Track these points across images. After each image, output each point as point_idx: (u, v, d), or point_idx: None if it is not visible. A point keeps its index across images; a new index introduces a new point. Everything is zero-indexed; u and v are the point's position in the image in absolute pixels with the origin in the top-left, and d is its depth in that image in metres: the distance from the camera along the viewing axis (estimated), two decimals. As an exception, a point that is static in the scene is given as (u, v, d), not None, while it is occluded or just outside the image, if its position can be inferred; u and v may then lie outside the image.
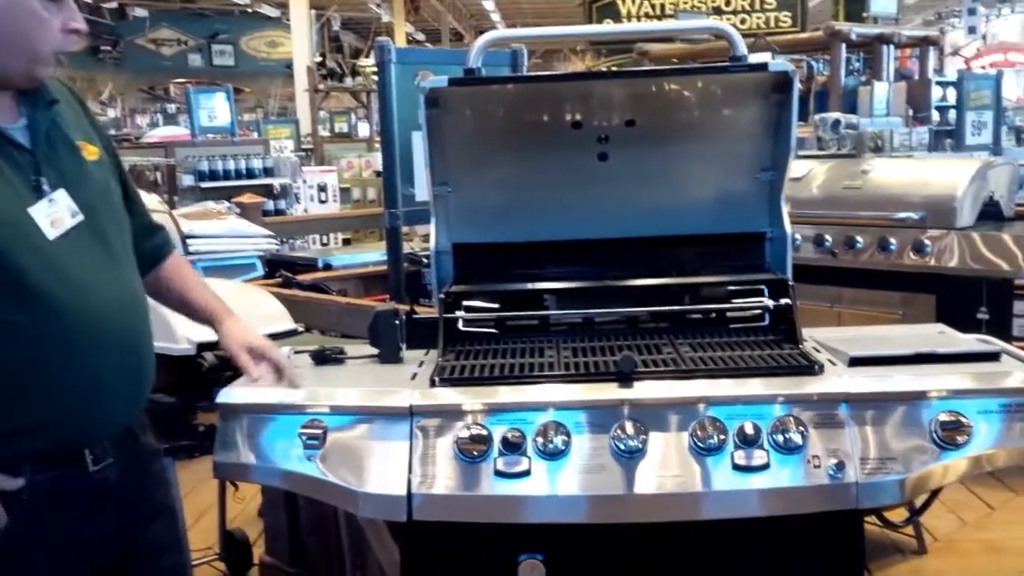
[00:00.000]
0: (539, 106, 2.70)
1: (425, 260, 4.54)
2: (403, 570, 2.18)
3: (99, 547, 1.94)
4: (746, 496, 2.00)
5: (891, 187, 5.10)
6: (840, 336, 2.48)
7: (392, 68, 4.08)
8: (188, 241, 4.91)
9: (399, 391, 2.13)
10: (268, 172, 9.38)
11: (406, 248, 4.84)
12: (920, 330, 2.64)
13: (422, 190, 4.03)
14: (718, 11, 14.33)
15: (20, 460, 1.81)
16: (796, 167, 5.19)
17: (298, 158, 10.72)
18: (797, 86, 2.52)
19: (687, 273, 2.66)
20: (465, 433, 2.03)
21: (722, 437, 2.00)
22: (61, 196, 1.85)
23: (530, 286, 2.64)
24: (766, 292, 2.52)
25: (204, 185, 8.92)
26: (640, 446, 2.00)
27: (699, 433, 2.01)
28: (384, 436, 2.07)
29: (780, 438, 2.00)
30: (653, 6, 14.62)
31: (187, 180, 8.99)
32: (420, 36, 26.49)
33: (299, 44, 17.64)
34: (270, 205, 8.83)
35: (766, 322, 2.53)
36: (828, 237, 5.18)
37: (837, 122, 6.08)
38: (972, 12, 17.36)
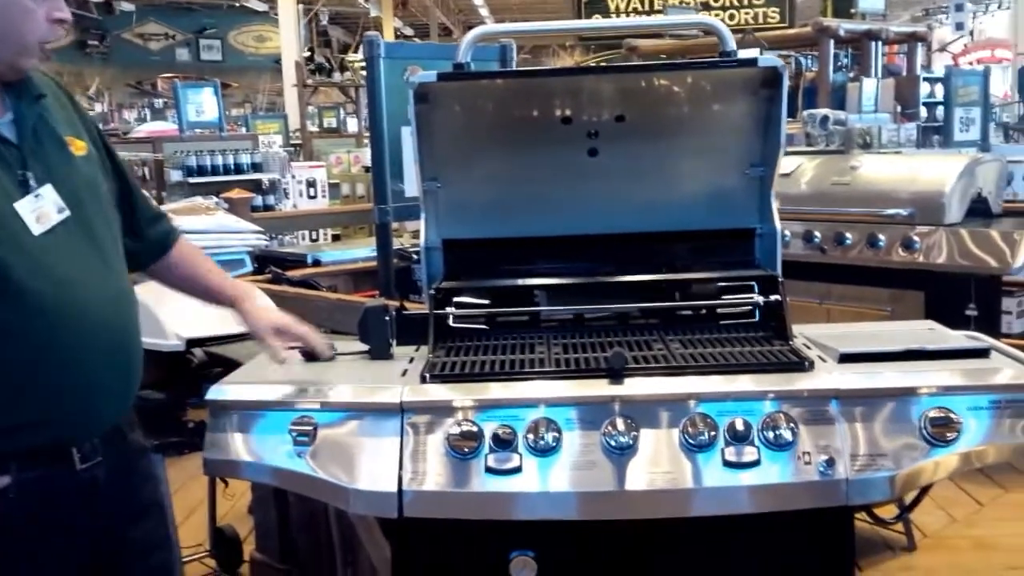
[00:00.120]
0: (529, 101, 2.69)
1: (415, 256, 4.53)
2: (394, 567, 2.17)
3: (87, 545, 1.93)
4: (736, 492, 2.01)
5: (880, 183, 5.11)
6: (830, 332, 2.48)
7: (381, 63, 4.07)
8: (176, 237, 4.88)
9: (389, 387, 2.12)
10: (256, 167, 9.36)
11: (396, 244, 4.83)
12: (910, 326, 2.64)
13: (411, 186, 4.03)
14: (706, 6, 14.34)
15: (5, 458, 1.80)
16: (785, 163, 5.19)
17: (287, 153, 10.68)
18: (786, 81, 2.51)
19: (677, 269, 2.66)
20: (456, 430, 2.02)
21: (713, 433, 2.00)
22: (48, 191, 1.84)
23: (520, 282, 2.63)
24: (756, 288, 2.52)
25: (192, 180, 8.89)
26: (631, 442, 2.00)
27: (690, 429, 2.01)
28: (374, 432, 2.07)
29: (770, 434, 2.00)
30: (642, 1, 14.63)
31: (175, 175, 8.97)
32: (408, 31, 26.45)
33: (287, 39, 17.59)
34: (259, 201, 8.80)
35: (756, 318, 2.53)
36: (817, 233, 5.19)
37: (825, 118, 6.09)
38: (959, 8, 17.38)
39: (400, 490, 2.00)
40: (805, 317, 3.90)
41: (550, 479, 2.00)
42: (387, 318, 2.41)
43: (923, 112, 9.55)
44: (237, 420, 2.18)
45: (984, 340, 2.36)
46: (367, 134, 6.73)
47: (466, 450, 2.01)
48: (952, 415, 2.03)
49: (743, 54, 2.61)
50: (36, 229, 1.81)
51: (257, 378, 2.35)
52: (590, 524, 2.07)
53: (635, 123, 2.68)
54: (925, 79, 9.89)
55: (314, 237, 9.27)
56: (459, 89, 2.62)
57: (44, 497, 1.84)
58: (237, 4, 23.54)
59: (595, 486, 1.99)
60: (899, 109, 9.31)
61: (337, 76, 15.89)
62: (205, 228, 5.09)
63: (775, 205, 2.65)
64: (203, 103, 10.05)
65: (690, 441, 2.00)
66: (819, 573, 2.15)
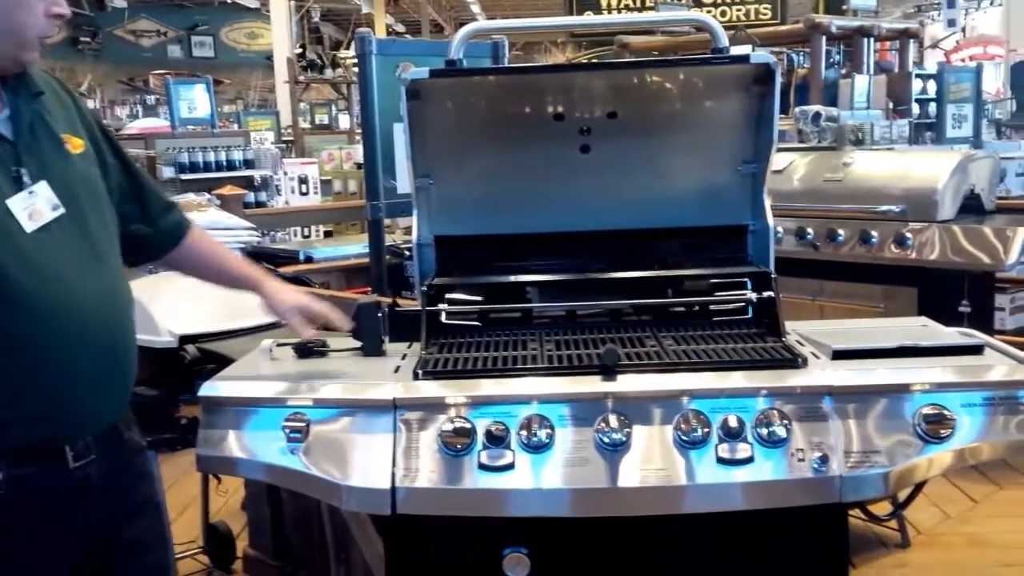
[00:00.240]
0: (521, 98, 2.69)
1: (407, 252, 4.53)
2: (387, 564, 2.17)
3: (80, 543, 1.92)
4: (730, 489, 2.01)
5: (872, 180, 5.11)
6: (823, 329, 2.48)
7: (373, 60, 4.07)
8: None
9: (382, 384, 2.12)
10: (249, 164, 9.33)
11: (388, 240, 4.83)
12: (903, 323, 2.64)
13: (404, 182, 4.02)
14: (698, 3, 14.34)
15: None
16: (778, 160, 5.18)
17: (279, 150, 10.65)
18: (779, 78, 2.51)
19: (670, 266, 2.66)
20: (448, 426, 2.02)
21: (706, 430, 2.00)
22: (42, 188, 1.83)
23: (513, 279, 2.63)
24: (749, 285, 2.52)
25: (184, 177, 8.86)
26: (624, 439, 2.00)
27: (683, 426, 2.01)
28: (367, 429, 2.06)
29: (764, 431, 2.00)
30: (634, -2, 14.62)
31: (167, 172, 8.93)
32: (400, 28, 26.41)
33: (279, 35, 17.54)
34: (251, 197, 8.77)
35: (749, 315, 2.53)
36: (810, 230, 5.19)
37: (818, 115, 6.08)
38: (951, 5, 17.39)
39: (393, 487, 1.99)
40: (798, 314, 3.89)
41: (543, 476, 2.00)
42: (380, 315, 2.41)
43: (915, 109, 9.56)
44: (230, 417, 2.18)
45: (978, 337, 2.36)
46: (359, 131, 6.72)
47: (459, 447, 2.01)
48: (946, 412, 2.03)
49: (735, 51, 2.61)
50: (28, 226, 1.79)
51: (250, 374, 2.35)
52: (583, 521, 2.07)
53: (627, 120, 2.68)
54: (917, 76, 9.90)
55: (306, 234, 9.25)
56: (451, 86, 2.62)
57: (36, 495, 1.83)
58: (229, 1, 23.46)
59: (588, 483, 1.99)
60: (891, 106, 9.31)
61: (329, 73, 15.82)
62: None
63: (768, 202, 2.65)
64: (195, 100, 10.02)
65: (683, 438, 2.00)
66: (813, 570, 2.15)
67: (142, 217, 2.18)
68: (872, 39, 10.16)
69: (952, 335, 2.42)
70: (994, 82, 16.63)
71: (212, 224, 5.16)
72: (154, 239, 2.22)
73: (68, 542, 1.89)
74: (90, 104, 19.59)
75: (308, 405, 2.11)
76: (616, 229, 2.73)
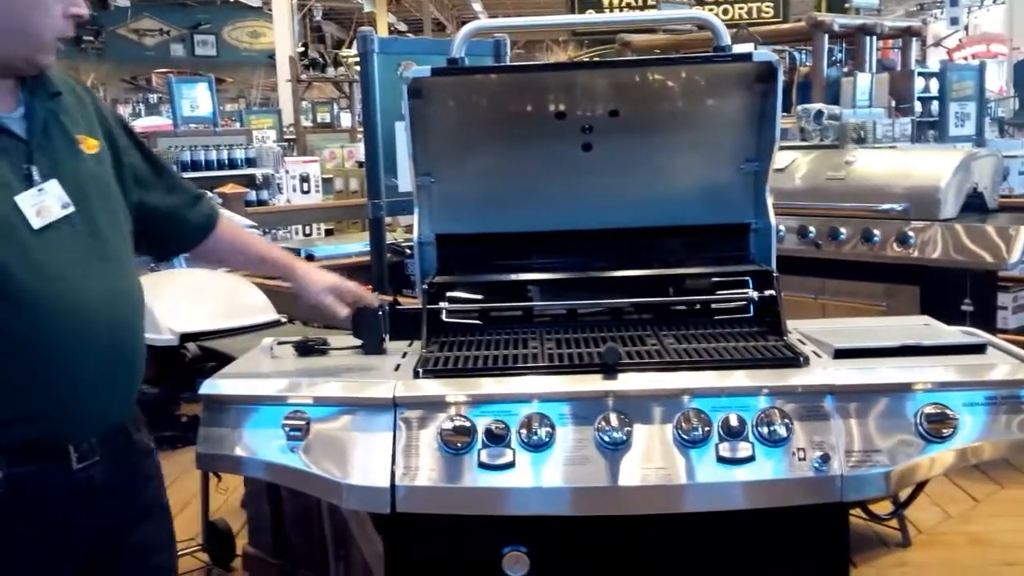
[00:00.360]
0: (523, 96, 2.68)
1: (408, 251, 4.52)
2: (387, 562, 2.17)
3: (82, 544, 1.90)
4: (730, 488, 2.00)
5: (875, 178, 5.10)
6: (825, 328, 2.47)
7: (375, 58, 4.05)
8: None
9: (382, 382, 2.12)
10: (250, 162, 9.34)
11: (389, 239, 4.82)
12: (906, 322, 2.64)
13: (405, 181, 4.02)
14: (700, 2, 14.34)
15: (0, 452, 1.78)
16: (780, 158, 5.17)
17: (280, 148, 10.65)
18: (781, 76, 2.51)
19: (671, 264, 2.65)
20: (449, 425, 2.02)
21: (707, 429, 2.00)
22: (52, 186, 1.83)
23: (514, 277, 2.63)
24: (751, 283, 2.52)
25: (186, 175, 8.86)
26: (624, 438, 1.99)
27: (683, 425, 2.00)
28: (367, 428, 2.06)
29: (765, 430, 1.99)
30: (636, -3, 14.62)
31: (169, 170, 8.94)
32: (402, 26, 26.40)
33: (281, 34, 17.53)
34: (252, 195, 8.79)
35: (751, 313, 2.53)
36: (812, 228, 5.18)
37: (820, 113, 6.07)
38: (954, 3, 17.38)
39: (393, 485, 1.99)
40: (800, 312, 3.89)
41: (543, 474, 1.99)
42: (380, 313, 2.41)
43: (918, 107, 9.54)
44: (230, 415, 2.18)
45: (980, 336, 2.35)
46: (361, 129, 6.72)
47: (459, 445, 2.00)
48: (948, 411, 2.02)
49: (737, 49, 2.60)
50: (36, 223, 1.79)
51: (250, 373, 2.34)
52: (583, 520, 2.06)
53: (629, 118, 2.67)
54: (920, 74, 9.88)
55: (307, 232, 9.26)
56: (453, 84, 2.61)
57: (37, 494, 1.82)
58: (231, 0, 23.48)
59: (588, 482, 1.99)
60: (894, 104, 9.29)
61: (331, 71, 15.80)
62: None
63: (770, 200, 2.64)
64: (197, 98, 10.01)
65: (684, 437, 2.00)
66: (814, 569, 2.14)
67: (171, 211, 2.18)
68: (874, 37, 10.14)
69: (954, 334, 2.41)
70: (997, 80, 16.61)
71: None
72: (184, 232, 2.23)
73: (69, 542, 1.88)
74: (93, 102, 19.63)
75: (308, 403, 2.11)
76: (618, 227, 2.73)
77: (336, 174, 10.73)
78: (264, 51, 23.84)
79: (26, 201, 1.79)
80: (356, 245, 5.88)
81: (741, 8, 14.90)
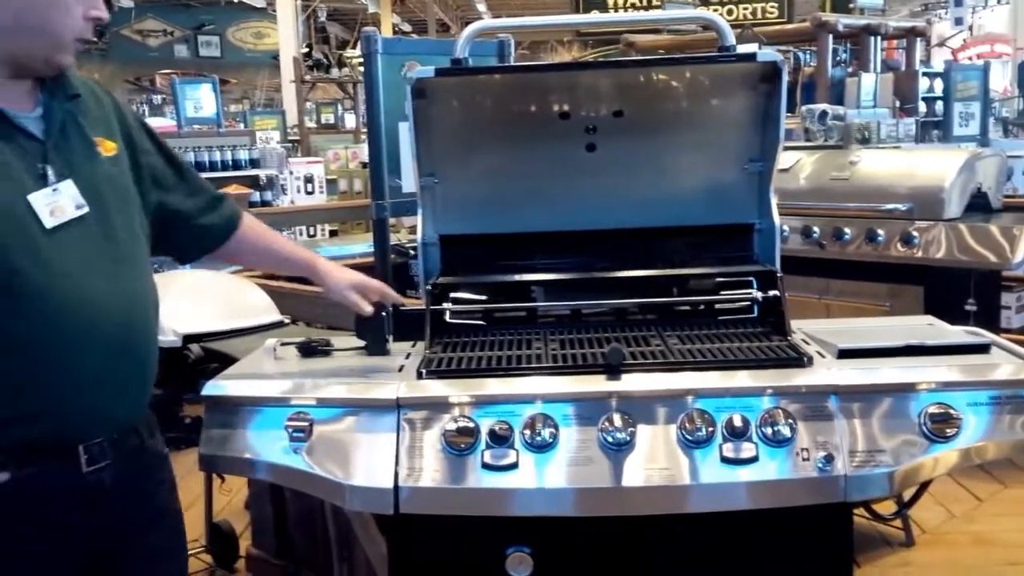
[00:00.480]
0: (527, 96, 2.68)
1: (412, 252, 4.52)
2: (391, 563, 2.17)
3: (82, 546, 1.90)
4: (734, 489, 2.00)
5: (879, 178, 5.09)
6: (829, 328, 2.47)
7: (378, 59, 4.06)
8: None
9: (386, 383, 2.12)
10: (254, 163, 9.33)
11: (393, 239, 4.82)
12: (910, 322, 2.63)
13: (409, 181, 4.01)
14: (705, 2, 14.32)
15: (5, 449, 1.77)
16: (784, 158, 5.16)
17: (284, 149, 10.65)
18: (785, 76, 2.50)
19: (675, 264, 2.65)
20: (452, 426, 2.02)
21: (710, 429, 2.00)
22: (67, 187, 1.83)
23: (518, 278, 2.62)
24: (755, 284, 2.51)
25: (190, 176, 8.85)
26: (628, 439, 1.99)
27: (687, 425, 2.00)
28: (371, 429, 2.06)
29: (768, 430, 1.99)
30: (640, -3, 14.61)
31: (173, 171, 8.93)
32: (406, 27, 26.41)
33: (285, 35, 17.56)
34: (256, 197, 8.79)
35: (755, 314, 2.53)
36: (816, 228, 5.17)
37: (824, 113, 6.07)
38: (958, 3, 17.34)
39: (396, 486, 1.99)
40: (804, 312, 3.88)
41: (547, 475, 1.99)
42: (384, 314, 2.41)
43: (922, 107, 9.54)
44: (233, 416, 2.18)
45: (984, 335, 2.35)
46: (365, 130, 6.71)
47: (462, 446, 2.00)
48: (952, 411, 2.02)
49: (742, 49, 2.60)
50: (49, 222, 1.78)
51: (253, 374, 2.34)
52: (587, 520, 2.06)
53: (633, 118, 2.67)
54: (924, 74, 9.88)
55: (312, 233, 9.26)
56: (457, 84, 2.61)
57: (43, 495, 1.82)
58: (235, 0, 23.49)
59: (592, 482, 1.99)
60: (898, 104, 9.28)
61: (335, 72, 15.81)
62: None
63: (774, 200, 2.64)
64: (201, 99, 10.02)
65: (688, 437, 1.99)
66: (817, 569, 2.14)
67: (191, 214, 2.18)
68: (879, 37, 10.14)
69: (958, 334, 2.41)
70: (1001, 81, 16.59)
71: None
72: (206, 235, 2.23)
73: (69, 542, 1.87)
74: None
75: (311, 404, 2.11)
76: (621, 228, 2.73)
77: (340, 175, 10.73)
78: (268, 52, 23.87)
79: (40, 200, 1.79)
80: (360, 246, 5.90)
81: (745, 8, 14.88)
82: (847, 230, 5.05)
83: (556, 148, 2.70)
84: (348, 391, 2.13)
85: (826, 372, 2.10)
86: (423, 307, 2.48)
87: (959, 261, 4.67)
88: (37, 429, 1.80)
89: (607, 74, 2.78)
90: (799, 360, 2.15)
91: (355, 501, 2.06)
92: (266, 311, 3.37)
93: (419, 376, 2.16)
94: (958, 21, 18.11)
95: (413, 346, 2.45)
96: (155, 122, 13.30)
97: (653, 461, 2.00)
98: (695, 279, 2.62)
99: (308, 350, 2.45)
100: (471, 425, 2.01)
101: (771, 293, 2.47)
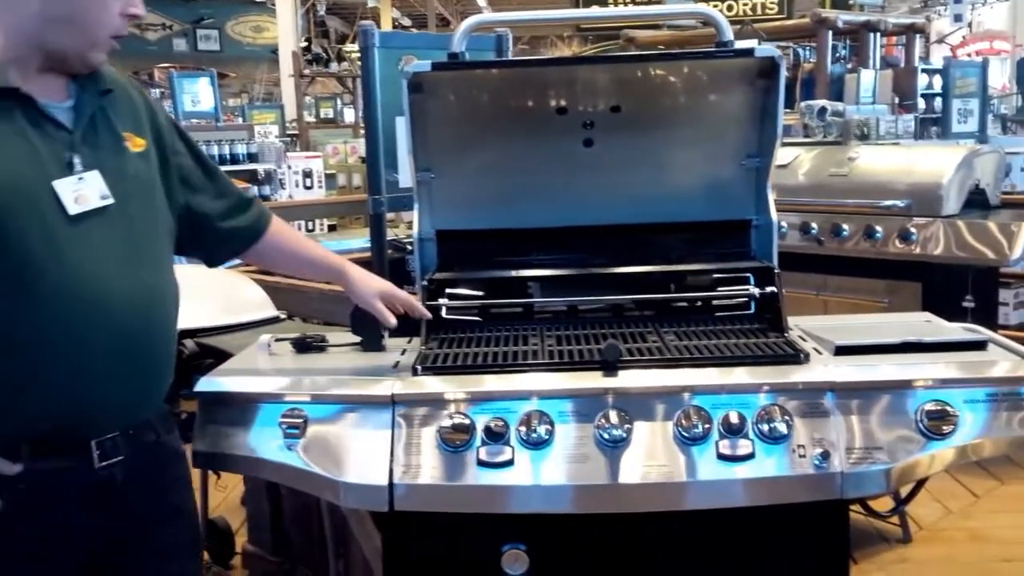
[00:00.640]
0: (524, 91, 2.67)
1: (409, 247, 4.50)
2: (385, 560, 2.16)
3: (81, 545, 1.89)
4: (730, 486, 1.99)
5: (877, 175, 5.09)
6: (826, 325, 2.46)
7: (375, 53, 4.03)
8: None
9: (381, 380, 2.11)
10: (252, 158, 9.33)
11: (392, 234, 4.80)
12: (907, 319, 2.63)
13: (406, 176, 4.00)
14: (705, -3, 14.31)
15: (18, 442, 1.78)
16: (782, 154, 5.14)
17: (283, 143, 10.64)
18: (784, 72, 2.49)
19: (672, 261, 2.64)
20: (447, 422, 2.01)
21: (707, 426, 1.99)
22: (93, 177, 1.83)
23: (514, 273, 2.61)
24: (752, 280, 2.51)
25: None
26: (624, 435, 1.98)
27: (684, 422, 2.00)
28: (365, 425, 2.05)
29: (765, 427, 1.99)
30: (640, -9, 14.60)
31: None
32: (406, 21, 26.36)
33: (284, 29, 17.55)
34: (254, 191, 8.78)
35: (752, 310, 2.52)
36: (814, 225, 5.16)
37: (823, 109, 6.05)
38: (958, 0, 17.34)
39: (391, 483, 1.98)
40: (802, 308, 3.88)
41: (542, 472, 1.98)
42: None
43: (921, 104, 9.53)
44: (227, 412, 2.17)
45: (982, 332, 2.34)
46: (364, 125, 6.70)
47: (458, 443, 1.99)
48: (948, 408, 2.01)
49: (741, 45, 2.59)
50: (73, 209, 1.78)
51: (247, 370, 2.33)
52: (583, 517, 2.05)
53: (631, 113, 2.66)
54: (923, 71, 9.87)
55: (310, 228, 9.25)
56: (453, 79, 2.60)
57: (52, 491, 1.81)
58: (235, -6, 23.49)
59: (588, 479, 1.98)
60: (897, 100, 9.28)
61: (334, 66, 15.80)
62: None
63: (771, 196, 2.63)
64: (199, 93, 10.01)
65: (684, 434, 1.99)
66: (814, 566, 2.13)
67: (219, 216, 2.17)
68: (878, 34, 10.13)
69: (955, 331, 2.40)
70: (1000, 77, 16.58)
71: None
72: (233, 237, 2.22)
73: (69, 542, 1.86)
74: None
75: (306, 401, 2.10)
76: (619, 224, 2.72)
77: (339, 170, 10.73)
78: (268, 46, 23.83)
79: (65, 186, 1.79)
80: (358, 241, 5.87)
81: (746, 4, 14.90)
82: (845, 226, 5.04)
83: (553, 143, 2.69)
84: (343, 387, 2.12)
85: (823, 369, 2.10)
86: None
87: (957, 258, 4.66)
88: (49, 422, 1.80)
89: (604, 69, 2.77)
90: (796, 357, 2.15)
91: (349, 498, 2.05)
92: (262, 307, 3.35)
93: (414, 372, 2.15)
94: (957, 18, 18.10)
95: (409, 342, 2.44)
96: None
97: (649, 458, 1.99)
98: (692, 275, 2.61)
99: (303, 346, 2.44)
100: (466, 422, 2.01)
101: (768, 289, 2.47)
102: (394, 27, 21.94)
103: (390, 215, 4.63)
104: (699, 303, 2.59)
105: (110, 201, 1.84)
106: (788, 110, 7.80)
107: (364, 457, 2.01)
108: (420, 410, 2.04)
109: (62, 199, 1.78)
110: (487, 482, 1.99)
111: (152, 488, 1.98)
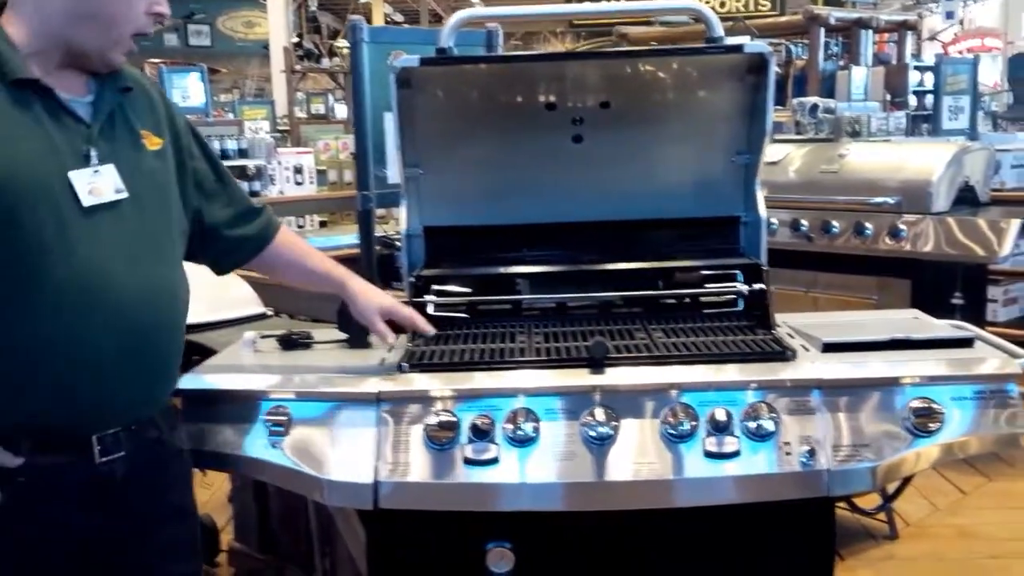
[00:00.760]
0: (513, 87, 2.66)
1: (399, 243, 4.49)
2: (369, 558, 2.15)
3: (86, 549, 1.87)
4: (717, 483, 1.99)
5: (867, 172, 5.08)
6: (814, 322, 2.46)
7: (365, 48, 4.02)
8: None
9: (366, 377, 2.10)
10: (243, 153, 9.28)
11: (384, 231, 4.79)
12: (894, 316, 2.62)
13: (394, 172, 3.99)
14: (697, -7, 14.28)
15: (20, 434, 1.77)
16: (773, 151, 5.16)
17: (273, 139, 10.59)
18: (773, 68, 2.49)
19: (661, 257, 2.63)
20: (433, 420, 2.00)
21: (694, 424, 1.98)
22: (108, 170, 1.83)
23: (502, 270, 2.61)
24: (740, 277, 2.50)
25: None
26: (611, 433, 1.98)
27: (670, 419, 1.99)
28: (351, 423, 2.04)
29: (752, 425, 1.98)
30: (632, -12, 14.57)
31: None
32: (399, 17, 26.30)
33: (276, 24, 17.49)
34: (245, 186, 8.75)
35: (740, 307, 2.51)
36: (804, 222, 5.16)
37: (815, 106, 6.05)
38: (950, -3, 17.38)
39: (376, 481, 1.97)
40: (791, 305, 3.88)
41: (528, 470, 1.98)
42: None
43: (912, 100, 9.53)
44: (211, 410, 2.15)
45: (969, 329, 2.34)
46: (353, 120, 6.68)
47: (443, 440, 1.98)
48: (935, 405, 2.01)
49: (731, 41, 2.58)
50: (87, 200, 1.78)
51: (232, 367, 2.32)
52: (569, 515, 2.05)
53: (620, 110, 2.66)
54: (915, 68, 9.86)
55: (301, 224, 9.21)
56: (442, 74, 2.59)
57: (52, 487, 1.80)
58: (226, -11, 23.40)
59: (574, 477, 1.97)
60: (889, 97, 9.28)
61: (325, 62, 15.77)
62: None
63: (761, 193, 2.62)
64: (189, 88, 9.97)
65: (671, 431, 1.98)
66: (800, 563, 2.13)
67: (226, 224, 2.17)
68: (870, 31, 10.12)
69: (943, 328, 2.40)
70: (991, 74, 16.59)
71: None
72: (241, 246, 2.21)
73: (68, 542, 1.85)
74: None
75: (290, 398, 2.09)
76: (608, 220, 2.71)
77: (330, 166, 10.68)
78: (259, 41, 23.75)
79: (80, 178, 1.79)
80: (349, 237, 5.84)
81: (738, 1, 14.88)
82: (835, 223, 5.04)
83: (542, 139, 2.68)
84: (328, 385, 2.11)
85: (810, 366, 2.10)
86: (406, 299, 2.46)
87: (946, 255, 4.66)
88: (51, 416, 1.79)
89: (594, 65, 2.76)
90: (783, 354, 2.14)
91: (334, 496, 2.05)
92: (248, 303, 3.33)
93: (400, 370, 2.14)
94: (949, 15, 18.13)
95: (396, 338, 2.42)
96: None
97: (636, 455, 1.98)
98: (680, 272, 2.61)
99: (288, 343, 2.43)
100: (452, 419, 2.00)
101: (756, 287, 2.46)
102: (386, 23, 21.92)
103: (383, 211, 4.62)
104: (687, 300, 2.58)
105: (124, 195, 1.85)
106: (780, 107, 7.81)
107: (349, 455, 2.00)
108: (406, 407, 2.03)
109: (76, 190, 1.78)
110: (473, 480, 1.98)
111: (153, 486, 1.97)
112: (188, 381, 2.18)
